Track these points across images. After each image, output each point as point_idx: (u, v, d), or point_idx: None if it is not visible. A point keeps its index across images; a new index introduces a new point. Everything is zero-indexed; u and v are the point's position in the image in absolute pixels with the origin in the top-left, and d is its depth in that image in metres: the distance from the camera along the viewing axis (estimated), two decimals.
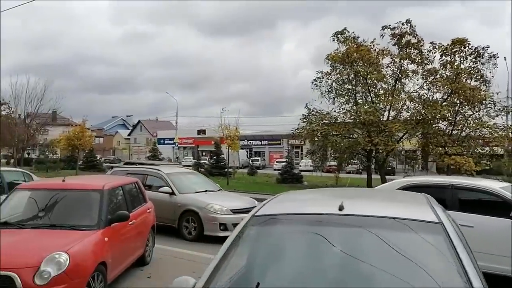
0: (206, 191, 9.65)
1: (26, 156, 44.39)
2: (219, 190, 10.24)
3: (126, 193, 6.31)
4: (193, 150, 69.36)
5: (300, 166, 43.06)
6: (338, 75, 22.79)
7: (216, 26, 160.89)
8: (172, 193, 9.11)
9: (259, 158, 58.80)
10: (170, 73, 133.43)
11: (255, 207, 9.00)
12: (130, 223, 5.75)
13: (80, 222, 5.11)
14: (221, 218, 8.56)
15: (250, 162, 50.81)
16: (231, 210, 8.73)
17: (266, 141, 62.93)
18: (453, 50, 20.43)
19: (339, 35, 22.56)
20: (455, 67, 20.39)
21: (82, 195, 5.55)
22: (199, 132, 65.53)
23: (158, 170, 9.85)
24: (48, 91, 39.63)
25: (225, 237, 8.56)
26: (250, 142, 59.75)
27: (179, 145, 60.72)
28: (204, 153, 66.54)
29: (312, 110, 23.37)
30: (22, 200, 5.57)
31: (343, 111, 22.73)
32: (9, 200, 5.45)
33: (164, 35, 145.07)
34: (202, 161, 43.54)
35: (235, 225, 8.57)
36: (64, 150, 34.80)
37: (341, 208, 2.59)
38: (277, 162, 50.57)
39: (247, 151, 59.39)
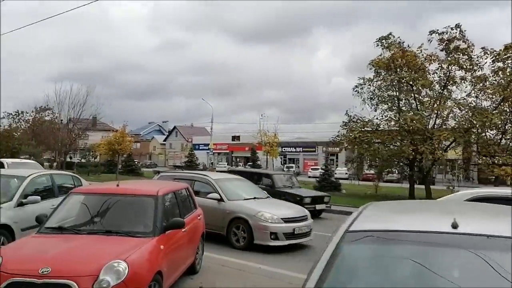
0: (254, 198, 9.37)
1: (68, 159, 45.72)
2: (267, 197, 9.93)
3: (179, 199, 6.12)
4: (227, 156, 69.71)
5: (335, 174, 42.25)
6: (382, 81, 22.14)
7: (250, 33, 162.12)
8: (221, 200, 8.88)
9: (293, 165, 58.27)
10: (204, 80, 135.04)
11: (305, 216, 8.72)
12: (182, 230, 5.54)
13: (135, 229, 4.92)
14: (272, 227, 8.24)
15: (285, 169, 50.36)
16: (282, 218, 8.40)
17: (301, 148, 62.38)
18: (505, 56, 19.36)
19: (383, 40, 21.94)
20: (508, 74, 19.32)
21: (137, 201, 5.37)
22: (233, 138, 65.85)
23: (206, 175, 9.68)
24: (90, 98, 40.80)
25: (276, 247, 8.27)
26: (284, 149, 59.32)
27: (213, 151, 61.06)
28: (238, 159, 66.77)
29: (353, 117, 22.83)
30: (75, 205, 5.46)
31: (386, 118, 22.06)
32: (64, 205, 5.35)
33: (198, 42, 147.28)
34: (238, 167, 43.48)
35: (286, 234, 8.34)
36: (104, 155, 35.56)
37: (454, 225, 2.22)
38: (312, 169, 49.92)
39: (281, 158, 59.03)
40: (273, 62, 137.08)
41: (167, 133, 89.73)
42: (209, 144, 57.17)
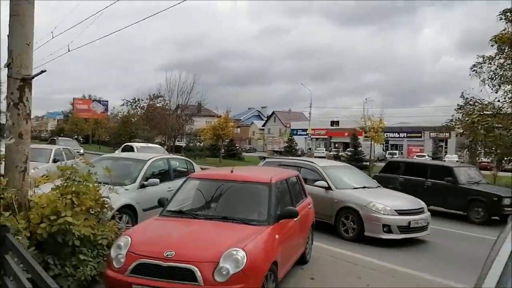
0: (364, 187, 8.90)
1: (176, 144, 49.03)
2: (378, 186, 9.37)
3: (290, 187, 5.99)
4: (325, 141, 68.66)
5: (445, 161, 39.09)
6: (505, 59, 19.58)
7: (350, 16, 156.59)
8: (328, 188, 8.60)
9: (396, 152, 55.28)
10: (302, 65, 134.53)
11: (422, 208, 7.96)
12: (295, 219, 5.39)
13: (250, 216, 4.89)
14: (385, 219, 7.74)
15: (387, 156, 48.01)
16: (395, 210, 7.85)
17: (405, 134, 58.84)
18: None
19: (508, 13, 19.31)
20: None
21: (251, 188, 5.34)
22: (332, 123, 64.42)
23: (312, 162, 9.47)
24: (196, 85, 43.10)
25: (388, 240, 7.69)
26: (386, 135, 56.54)
27: (311, 136, 60.55)
28: (336, 145, 65.37)
29: (470, 100, 20.62)
30: (192, 189, 5.61)
31: (510, 100, 19.53)
32: (182, 189, 5.53)
33: (298, 27, 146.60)
34: (339, 153, 42.55)
35: (400, 227, 7.79)
36: (209, 139, 37.38)
37: None
38: (417, 156, 46.93)
39: (383, 144, 56.43)
40: (373, 44, 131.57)
41: (266, 119, 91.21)
42: (307, 129, 56.84)
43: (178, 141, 49.63)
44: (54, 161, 12.37)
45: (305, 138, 60.28)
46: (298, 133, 66.39)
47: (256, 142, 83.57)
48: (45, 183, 5.60)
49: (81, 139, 66.58)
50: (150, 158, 8.01)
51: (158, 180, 7.65)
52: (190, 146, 46.54)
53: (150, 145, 15.71)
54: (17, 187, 5.31)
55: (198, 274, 3.84)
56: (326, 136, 68.09)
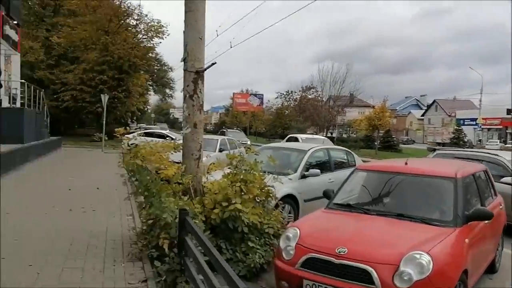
0: None
1: (329, 135, 48.89)
2: None
3: (478, 183, 5.07)
4: (499, 132, 59.77)
5: None
6: None
7: None
8: None
9: None
10: (468, 47, 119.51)
11: None
12: (485, 222, 4.50)
13: (431, 215, 4.24)
14: None
15: None
16: None
17: None
18: None
19: None
20: None
21: (430, 182, 4.66)
22: (508, 111, 55.66)
23: (497, 155, 8.06)
24: (348, 75, 42.22)
25: None
26: None
27: (482, 126, 53.50)
28: None
29: None
30: (360, 182, 5.19)
31: None
32: (349, 181, 5.16)
33: (461, 7, 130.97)
34: None
35: None
36: (364, 130, 36.13)
37: None
38: None
39: None
40: None
41: (425, 108, 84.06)
42: (476, 118, 50.48)
43: (331, 132, 49.37)
44: (220, 150, 13.30)
45: (474, 128, 53.64)
46: (465, 123, 59.36)
47: (414, 133, 77.75)
48: (216, 170, 5.86)
49: (239, 131, 71.80)
50: (311, 148, 7.84)
51: (319, 170, 7.43)
52: (343, 137, 45.77)
53: (315, 136, 15.40)
54: (192, 173, 5.68)
55: (375, 276, 3.43)
56: (500, 126, 59.26)
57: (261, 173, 5.48)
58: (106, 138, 23.85)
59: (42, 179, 11.06)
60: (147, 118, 74.20)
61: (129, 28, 32.03)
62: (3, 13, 17.19)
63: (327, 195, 5.04)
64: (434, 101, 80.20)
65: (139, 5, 39.50)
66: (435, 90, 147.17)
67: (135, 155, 5.20)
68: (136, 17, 32.23)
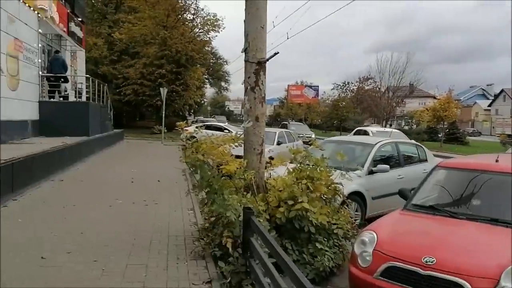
0: None
1: (388, 127, 47.01)
2: None
3: None
4: None
5: None
6: None
7: None
8: None
9: None
10: None
11: None
12: None
13: None
14: None
15: None
16: None
17: None
18: None
19: None
20: None
21: None
22: None
23: None
24: (409, 65, 40.24)
25: None
26: None
27: None
28: None
29: None
30: (441, 180, 4.65)
31: None
32: (429, 180, 4.65)
33: None
34: None
35: None
36: (428, 122, 34.23)
37: None
38: None
39: None
40: None
41: (492, 98, 78.48)
42: None
43: (390, 124, 47.48)
44: (278, 143, 13.01)
45: None
46: None
47: (480, 125, 72.96)
48: (278, 166, 5.55)
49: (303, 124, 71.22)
50: (378, 142, 7.31)
51: (387, 166, 6.90)
52: (405, 129, 43.82)
53: (387, 129, 13.81)
54: (254, 169, 5.42)
55: None
56: None
57: (327, 169, 5.12)
58: (165, 131, 24.49)
59: (106, 170, 11.38)
60: (203, 111, 75.67)
61: (186, 23, 32.49)
62: (68, 11, 17.96)
63: (404, 194, 4.57)
64: (502, 90, 74.64)
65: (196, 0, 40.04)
66: (501, 79, 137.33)
67: (196, 150, 5.01)
68: (192, 12, 32.65)
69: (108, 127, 18.95)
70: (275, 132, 13.82)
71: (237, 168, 5.11)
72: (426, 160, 7.91)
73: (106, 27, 33.56)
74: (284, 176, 5.12)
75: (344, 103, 45.34)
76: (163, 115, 23.93)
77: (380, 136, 10.89)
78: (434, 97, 69.51)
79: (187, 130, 6.00)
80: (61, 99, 15.07)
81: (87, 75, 17.00)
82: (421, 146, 8.27)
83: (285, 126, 29.24)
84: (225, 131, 23.05)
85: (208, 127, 24.44)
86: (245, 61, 5.54)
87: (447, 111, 28.42)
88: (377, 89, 46.21)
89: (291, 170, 5.10)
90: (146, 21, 28.99)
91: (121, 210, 6.90)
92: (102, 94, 17.60)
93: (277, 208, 4.72)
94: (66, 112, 14.10)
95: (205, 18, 32.17)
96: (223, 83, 75.24)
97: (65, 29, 17.38)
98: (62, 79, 15.08)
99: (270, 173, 5.50)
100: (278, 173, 5.44)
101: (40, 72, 14.19)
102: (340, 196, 5.09)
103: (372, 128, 14.47)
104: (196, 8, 32.33)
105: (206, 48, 32.26)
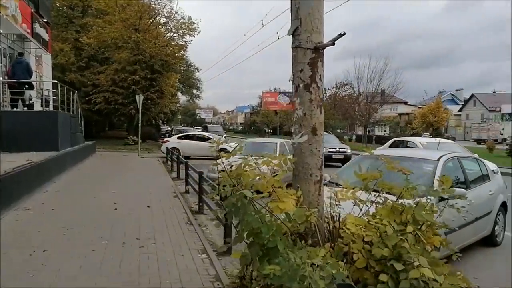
0: None
1: (368, 133, 46.29)
2: None
3: None
4: None
5: None
6: None
7: None
8: None
9: None
10: (501, 39, 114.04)
11: None
12: None
13: None
14: None
15: None
16: None
17: None
18: None
19: None
20: None
21: None
22: None
23: None
24: (388, 69, 39.75)
25: None
26: None
27: None
28: None
29: None
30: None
31: None
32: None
33: None
34: None
35: None
36: (417, 128, 33.45)
37: None
38: None
39: None
40: None
41: (462, 103, 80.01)
42: None
43: (368, 131, 46.73)
44: None
45: None
46: (506, 117, 55.62)
47: (454, 130, 73.86)
48: (344, 197, 3.88)
49: (270, 131, 69.90)
50: (441, 157, 5.75)
51: (464, 190, 5.28)
52: (384, 135, 43.16)
53: (442, 140, 11.45)
54: (312, 204, 3.77)
55: None
56: None
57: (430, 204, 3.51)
58: (140, 141, 22.43)
59: (82, 193, 9.41)
60: (175, 119, 73.08)
61: (160, 26, 30.55)
62: (32, 10, 15.84)
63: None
64: (472, 95, 76.13)
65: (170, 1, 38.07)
66: (467, 84, 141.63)
67: (236, 180, 3.33)
68: (166, 14, 30.75)
69: (80, 139, 16.80)
70: (276, 143, 12.15)
71: (296, 206, 3.46)
72: (488, 179, 6.45)
73: (73, 31, 31.10)
74: (363, 217, 3.51)
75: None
76: (139, 125, 21.87)
77: (433, 148, 9.25)
78: (406, 103, 69.85)
79: (223, 153, 3.97)
80: (25, 108, 12.94)
81: (55, 81, 14.87)
82: (481, 161, 6.77)
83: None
84: (209, 141, 21.24)
85: (190, 137, 22.61)
86: (294, 47, 3.91)
87: (437, 117, 27.68)
88: (354, 94, 45.51)
89: (380, 208, 3.48)
90: (117, 24, 26.87)
91: (107, 255, 5.07)
92: (72, 102, 15.49)
93: (365, 270, 3.08)
94: (31, 124, 12.03)
95: (180, 21, 30.33)
96: (194, 91, 73.28)
97: (28, 30, 15.25)
98: (27, 86, 13.01)
99: (339, 212, 3.80)
100: (346, 209, 3.80)
101: (1, 78, 12.09)
102: (445, 245, 3.46)
103: (422, 139, 12.12)
104: (170, 10, 30.48)
105: (182, 52, 30.32)
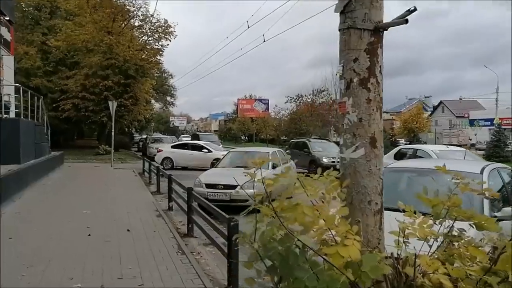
0: None
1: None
2: None
3: None
4: None
5: None
6: None
7: None
8: None
9: None
10: (462, 50, 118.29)
11: None
12: None
13: None
14: None
15: None
16: None
17: None
18: None
19: None
20: None
21: None
22: None
23: None
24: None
25: None
26: None
27: (502, 127, 50.94)
28: None
29: None
30: None
31: None
32: None
33: (456, 10, 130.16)
34: None
35: None
36: (398, 134, 33.07)
37: None
38: None
39: None
40: None
41: (432, 109, 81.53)
42: (493, 119, 48.07)
43: None
44: (274, 167, 10.33)
45: (489, 129, 50.99)
46: (479, 124, 56.69)
47: (425, 136, 74.92)
48: (417, 234, 2.84)
49: (246, 138, 68.89)
50: (484, 168, 4.83)
51: (510, 209, 4.42)
52: None
53: (455, 148, 10.26)
54: (372, 242, 2.72)
55: None
56: None
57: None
58: (113, 151, 20.92)
59: (48, 214, 8.05)
60: (149, 127, 70.91)
61: (134, 29, 29.11)
62: None
63: None
64: (441, 102, 77.68)
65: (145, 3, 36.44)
66: (434, 91, 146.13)
67: (275, 214, 2.24)
68: (141, 17, 29.37)
69: (45, 149, 15.23)
70: (268, 152, 11.08)
71: (362, 252, 2.38)
72: None
73: (40, 34, 29.25)
74: (451, 265, 2.47)
75: (301, 116, 43.49)
76: (112, 133, 20.36)
77: (446, 156, 8.34)
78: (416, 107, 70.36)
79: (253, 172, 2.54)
80: None
81: (17, 84, 13.32)
82: (510, 169, 5.88)
83: (304, 146, 23.82)
84: (203, 150, 19.91)
85: (183, 146, 21.20)
86: (345, 29, 2.85)
87: (418, 123, 27.32)
88: (330, 101, 45.26)
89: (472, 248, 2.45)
90: (88, 26, 25.28)
91: None
92: (37, 109, 13.95)
93: None
94: None
95: (156, 25, 29.00)
96: (168, 98, 71.46)
97: None
98: None
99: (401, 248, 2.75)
100: (416, 246, 2.75)
101: None
102: None
103: (434, 147, 11.07)
104: (145, 13, 29.10)
105: (158, 57, 28.90)
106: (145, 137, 37.50)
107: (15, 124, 11.31)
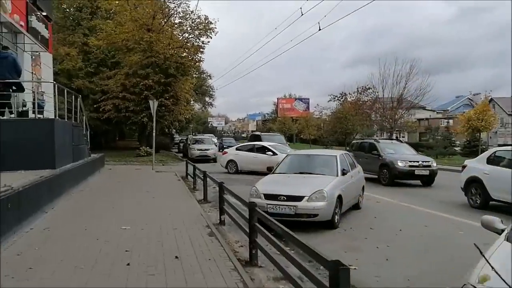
0: None
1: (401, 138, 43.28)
2: None
3: None
4: None
5: None
6: None
7: None
8: None
9: None
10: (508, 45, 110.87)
11: None
12: None
13: None
14: None
15: None
16: None
17: None
18: None
19: None
20: None
21: None
22: None
23: None
24: (413, 73, 36.98)
25: None
26: None
27: None
28: None
29: None
30: None
31: None
32: None
33: (503, 4, 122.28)
34: None
35: None
36: (461, 133, 30.35)
37: None
38: None
39: None
40: None
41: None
42: None
43: (396, 137, 43.67)
44: (343, 173, 8.59)
45: None
46: None
47: (486, 135, 70.11)
48: None
49: (286, 138, 66.98)
50: None
51: None
52: (423, 142, 39.77)
53: None
54: None
55: None
56: None
57: None
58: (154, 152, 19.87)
59: (80, 233, 6.73)
60: (188, 128, 70.51)
61: (175, 26, 28.08)
62: (27, 1, 13.40)
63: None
64: (492, 99, 72.78)
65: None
66: (477, 89, 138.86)
67: None
68: (181, 14, 28.30)
69: (84, 152, 14.22)
70: (335, 156, 9.30)
71: None
72: None
73: (81, 34, 28.86)
74: None
75: (347, 115, 41.10)
76: (154, 134, 19.29)
77: None
78: (424, 108, 66.43)
79: None
80: (12, 116, 10.39)
81: (52, 81, 12.29)
82: None
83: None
84: (267, 152, 18.16)
85: (249, 149, 19.52)
86: None
87: (483, 121, 24.65)
88: (377, 99, 42.72)
89: None
90: (128, 24, 24.46)
91: None
92: (74, 109, 12.91)
93: None
94: (20, 135, 9.48)
95: (196, 21, 27.83)
96: (207, 98, 70.79)
97: (22, 23, 12.80)
98: (14, 87, 10.44)
99: None
100: None
101: None
102: None
103: None
104: (185, 9, 28.01)
105: (199, 55, 27.75)
106: (185, 138, 36.58)
107: (51, 125, 10.20)
